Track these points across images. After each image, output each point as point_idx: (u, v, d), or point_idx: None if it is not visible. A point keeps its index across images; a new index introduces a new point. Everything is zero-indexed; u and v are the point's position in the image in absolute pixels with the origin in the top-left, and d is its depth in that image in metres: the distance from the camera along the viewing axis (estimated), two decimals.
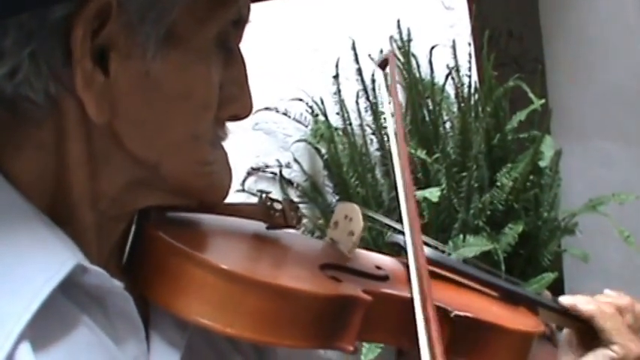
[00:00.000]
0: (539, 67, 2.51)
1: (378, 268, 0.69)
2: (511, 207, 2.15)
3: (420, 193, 1.99)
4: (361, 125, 2.29)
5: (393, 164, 0.72)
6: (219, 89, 0.57)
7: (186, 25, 0.53)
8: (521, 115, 2.29)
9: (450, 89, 2.39)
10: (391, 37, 2.40)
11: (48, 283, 0.49)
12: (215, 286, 0.53)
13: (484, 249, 1.99)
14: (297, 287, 0.55)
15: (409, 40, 2.39)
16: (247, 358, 0.68)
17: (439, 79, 2.38)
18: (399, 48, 2.39)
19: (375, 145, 2.31)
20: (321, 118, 2.22)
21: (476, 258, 1.91)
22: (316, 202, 2.23)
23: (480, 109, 2.27)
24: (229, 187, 0.61)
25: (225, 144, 0.61)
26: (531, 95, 2.28)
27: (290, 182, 2.24)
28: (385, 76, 0.82)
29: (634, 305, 0.79)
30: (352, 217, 0.70)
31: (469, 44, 2.52)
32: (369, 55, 2.32)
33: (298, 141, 2.24)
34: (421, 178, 2.17)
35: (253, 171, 2.19)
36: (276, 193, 2.13)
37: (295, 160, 2.24)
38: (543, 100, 2.31)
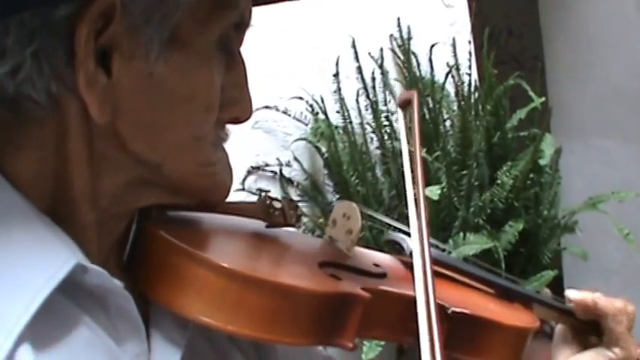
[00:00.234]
0: (539, 65, 2.51)
1: (376, 265, 0.70)
2: (511, 205, 2.15)
3: None
4: (361, 124, 2.29)
5: (408, 205, 0.70)
6: (221, 92, 0.57)
7: (189, 28, 0.53)
8: (521, 114, 2.29)
9: (450, 87, 2.39)
10: (391, 36, 2.41)
11: (48, 283, 0.49)
12: (216, 284, 0.53)
13: (484, 247, 1.99)
14: (296, 285, 0.56)
15: (409, 38, 2.39)
16: (247, 356, 0.68)
17: (439, 77, 2.37)
18: (399, 46, 2.40)
19: (375, 144, 2.31)
20: (321, 116, 2.21)
21: (476, 256, 1.91)
22: (316, 200, 2.22)
23: (480, 107, 2.27)
24: (230, 186, 0.62)
25: (226, 143, 0.62)
26: (531, 93, 2.28)
27: (290, 181, 2.23)
28: (404, 116, 0.78)
29: (627, 307, 0.78)
30: (350, 215, 0.70)
31: (469, 42, 2.52)
32: (369, 54, 2.33)
33: (298, 139, 2.23)
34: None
35: (253, 170, 2.19)
36: (276, 192, 2.13)
37: (295, 159, 2.24)
38: (543, 99, 2.32)
